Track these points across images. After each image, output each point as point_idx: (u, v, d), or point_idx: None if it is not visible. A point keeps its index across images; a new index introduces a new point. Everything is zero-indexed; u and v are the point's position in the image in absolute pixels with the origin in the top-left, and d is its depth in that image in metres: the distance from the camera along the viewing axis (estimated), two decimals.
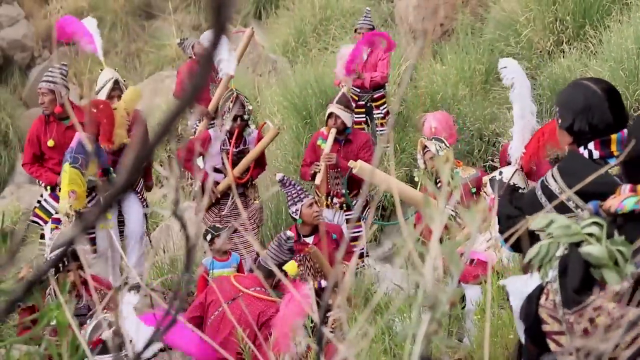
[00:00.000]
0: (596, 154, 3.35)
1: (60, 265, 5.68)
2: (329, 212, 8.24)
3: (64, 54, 18.16)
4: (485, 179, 6.57)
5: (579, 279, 2.61)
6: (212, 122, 9.47)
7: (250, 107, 8.26)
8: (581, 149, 3.41)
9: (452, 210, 7.30)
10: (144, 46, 18.32)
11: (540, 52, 10.75)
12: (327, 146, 8.07)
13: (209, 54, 0.99)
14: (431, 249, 1.41)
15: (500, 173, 6.17)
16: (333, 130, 8.07)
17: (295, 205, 7.12)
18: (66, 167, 7.09)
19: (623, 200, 2.66)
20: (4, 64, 18.24)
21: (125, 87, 8.46)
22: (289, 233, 6.67)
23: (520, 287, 3.09)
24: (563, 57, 10.27)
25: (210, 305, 6.25)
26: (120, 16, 18.89)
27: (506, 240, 3.04)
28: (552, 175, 2.96)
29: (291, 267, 6.06)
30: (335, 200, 8.24)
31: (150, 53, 18.15)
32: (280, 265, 6.32)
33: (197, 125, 10.28)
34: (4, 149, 16.48)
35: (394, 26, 13.13)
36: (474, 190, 7.35)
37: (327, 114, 8.18)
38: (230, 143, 8.07)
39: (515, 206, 3.12)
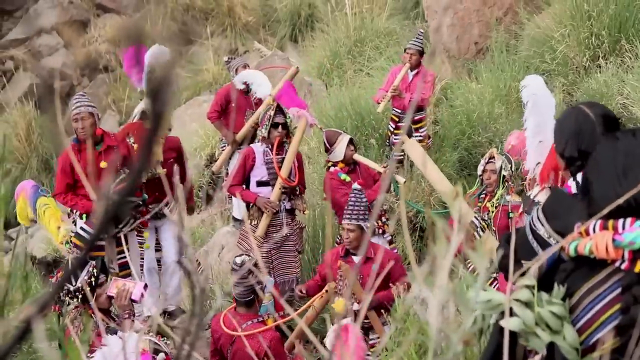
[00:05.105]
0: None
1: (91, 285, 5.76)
2: (374, 238, 8.21)
3: (103, 81, 18.42)
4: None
5: (492, 351, 2.48)
6: (239, 147, 9.52)
7: (291, 116, 8.30)
8: (570, 181, 3.26)
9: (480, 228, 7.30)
10: (182, 71, 18.49)
11: (576, 67, 10.65)
12: (372, 165, 8.13)
13: (148, 141, 0.97)
14: (437, 291, 1.39)
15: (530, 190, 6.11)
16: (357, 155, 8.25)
17: (366, 222, 6.99)
18: (46, 200, 7.20)
19: (569, 243, 2.44)
20: (44, 92, 18.51)
21: None
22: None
23: None
24: (599, 72, 10.17)
25: (222, 348, 6.27)
26: (157, 42, 19.08)
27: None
28: (538, 219, 2.76)
29: (339, 305, 5.96)
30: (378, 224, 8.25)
31: (187, 78, 18.30)
32: None
33: (224, 148, 10.33)
34: (46, 176, 16.69)
35: (428, 45, 13.11)
36: (512, 214, 7.41)
37: (346, 145, 8.15)
38: (272, 152, 8.10)
39: (504, 254, 2.92)
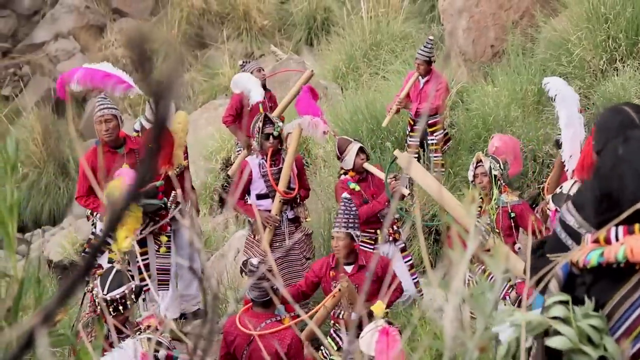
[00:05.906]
0: None
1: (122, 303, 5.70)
2: (385, 246, 8.19)
3: None
4: (549, 197, 6.54)
5: None
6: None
7: (281, 124, 8.21)
8: None
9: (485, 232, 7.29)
10: (197, 75, 18.51)
11: (593, 70, 10.58)
12: (380, 175, 8.09)
13: (153, 149, 0.96)
14: (452, 296, 1.37)
15: (561, 187, 6.09)
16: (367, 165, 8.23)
17: (355, 231, 6.94)
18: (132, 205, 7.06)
19: (587, 254, 2.36)
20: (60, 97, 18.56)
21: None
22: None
23: None
24: (617, 75, 10.10)
25: (236, 352, 6.23)
26: (173, 46, 19.12)
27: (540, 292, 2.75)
28: (569, 211, 2.71)
29: (378, 307, 5.97)
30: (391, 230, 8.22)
31: (203, 82, 18.33)
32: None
33: (239, 152, 10.32)
34: (63, 180, 16.73)
35: (444, 49, 13.07)
36: (512, 215, 7.44)
37: (356, 154, 8.18)
38: (267, 164, 8.05)
39: (539, 255, 2.86)
